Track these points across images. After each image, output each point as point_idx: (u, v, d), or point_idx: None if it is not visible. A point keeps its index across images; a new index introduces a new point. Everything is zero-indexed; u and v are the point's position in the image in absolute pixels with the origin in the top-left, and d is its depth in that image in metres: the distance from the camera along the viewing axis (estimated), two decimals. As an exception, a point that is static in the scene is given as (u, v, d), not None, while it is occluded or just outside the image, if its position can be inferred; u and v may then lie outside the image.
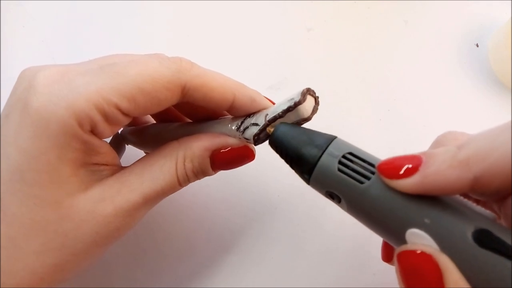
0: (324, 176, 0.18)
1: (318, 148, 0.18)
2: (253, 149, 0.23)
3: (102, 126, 0.19)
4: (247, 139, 0.21)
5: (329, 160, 0.18)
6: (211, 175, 0.23)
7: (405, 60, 0.35)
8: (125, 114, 0.19)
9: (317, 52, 0.35)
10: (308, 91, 0.20)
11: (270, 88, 0.34)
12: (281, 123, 0.20)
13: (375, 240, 0.29)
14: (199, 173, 0.22)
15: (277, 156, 0.28)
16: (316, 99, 0.21)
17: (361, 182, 0.17)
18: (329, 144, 0.18)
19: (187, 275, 0.28)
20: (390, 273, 0.28)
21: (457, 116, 0.33)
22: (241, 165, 0.23)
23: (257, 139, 0.21)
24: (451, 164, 0.15)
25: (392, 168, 0.17)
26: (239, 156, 0.22)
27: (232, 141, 0.22)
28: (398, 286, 0.28)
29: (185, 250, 0.29)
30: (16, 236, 0.18)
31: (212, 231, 0.29)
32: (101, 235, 0.19)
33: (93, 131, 0.19)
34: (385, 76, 0.34)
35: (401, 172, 0.16)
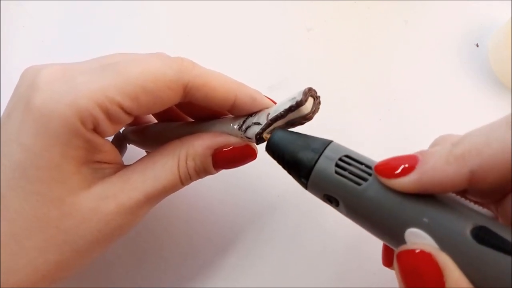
0: (322, 179, 0.18)
1: (315, 152, 0.18)
2: (255, 148, 0.23)
3: (105, 124, 0.19)
4: (249, 138, 0.21)
5: (326, 163, 0.18)
6: (213, 174, 0.23)
7: (405, 60, 0.35)
8: (127, 112, 0.19)
9: (317, 52, 0.35)
10: (310, 91, 0.20)
11: (270, 88, 0.34)
12: (277, 129, 0.21)
13: (375, 240, 0.29)
14: (201, 172, 0.22)
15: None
16: (317, 98, 0.21)
17: (359, 184, 0.17)
18: (325, 148, 0.18)
19: (188, 275, 0.28)
20: (390, 273, 0.28)
21: (457, 116, 0.33)
22: (243, 164, 0.23)
23: (259, 138, 0.21)
24: (447, 159, 0.15)
25: (389, 168, 0.17)
26: (241, 155, 0.22)
27: (234, 140, 0.22)
28: (397, 286, 0.28)
29: (186, 250, 0.29)
30: (19, 233, 0.18)
31: (212, 232, 0.29)
32: (103, 233, 0.20)
33: (96, 130, 0.19)
34: (385, 76, 0.34)
35: (398, 171, 0.16)
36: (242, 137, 0.22)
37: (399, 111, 0.33)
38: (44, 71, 0.19)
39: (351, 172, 0.18)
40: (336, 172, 0.18)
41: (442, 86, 0.34)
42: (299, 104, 0.20)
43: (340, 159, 0.18)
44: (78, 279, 0.27)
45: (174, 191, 0.22)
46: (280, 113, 0.20)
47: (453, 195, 0.17)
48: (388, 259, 0.22)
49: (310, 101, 0.20)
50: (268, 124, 0.21)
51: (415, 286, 0.15)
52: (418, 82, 0.34)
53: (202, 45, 0.35)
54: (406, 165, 0.16)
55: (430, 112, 0.33)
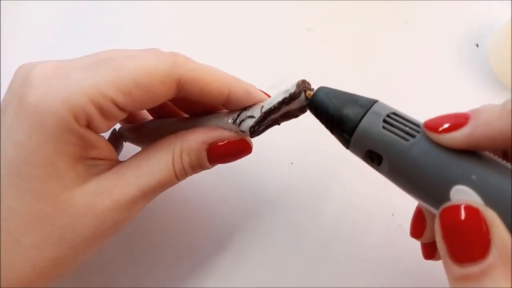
0: (367, 134, 0.18)
1: (362, 107, 0.18)
2: (250, 142, 0.23)
3: (98, 120, 0.19)
4: (243, 131, 0.21)
5: (374, 118, 0.18)
6: (208, 168, 0.23)
7: (405, 60, 0.35)
8: (121, 108, 0.19)
9: (317, 52, 0.35)
10: (303, 83, 0.20)
11: (271, 88, 0.33)
12: (321, 86, 0.20)
13: (375, 240, 0.29)
14: (196, 167, 0.22)
15: (277, 156, 0.28)
16: (311, 90, 0.21)
17: (406, 140, 0.17)
18: (373, 104, 0.18)
19: (185, 273, 0.28)
20: (390, 273, 0.28)
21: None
22: (238, 158, 0.23)
23: (253, 132, 0.21)
24: (501, 113, 0.15)
25: (439, 123, 0.16)
26: (235, 149, 0.22)
27: (228, 134, 0.22)
28: (397, 286, 0.28)
29: (183, 248, 0.29)
30: (15, 230, 0.18)
31: (211, 231, 0.29)
32: (99, 229, 0.19)
33: (89, 126, 0.19)
34: (385, 76, 0.34)
35: (449, 125, 0.16)
36: (236, 131, 0.22)
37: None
38: (37, 67, 0.19)
39: (398, 128, 0.17)
40: (384, 128, 0.18)
41: (442, 86, 0.34)
42: (292, 96, 0.20)
43: (388, 116, 0.18)
44: (76, 278, 0.27)
45: (169, 187, 0.22)
46: (274, 105, 0.20)
47: (496, 157, 0.17)
48: (418, 229, 0.22)
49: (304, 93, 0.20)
50: (262, 117, 0.21)
51: (458, 243, 0.15)
52: (418, 82, 0.34)
53: (202, 45, 0.35)
54: (458, 121, 0.16)
55: (430, 112, 0.33)
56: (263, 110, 0.21)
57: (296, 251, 0.28)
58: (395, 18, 0.37)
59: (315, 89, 0.20)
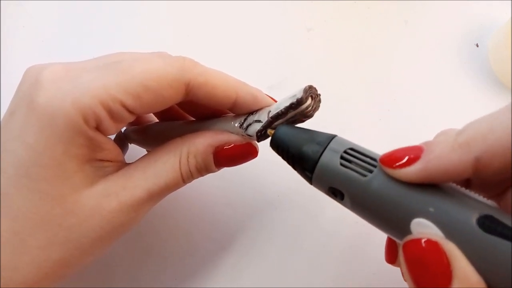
0: (327, 171, 0.18)
1: (320, 145, 0.19)
2: (256, 146, 0.23)
3: (107, 122, 0.19)
4: (250, 135, 0.22)
5: (331, 156, 0.18)
6: (214, 171, 0.23)
7: (405, 60, 0.35)
8: (130, 111, 0.19)
9: (317, 52, 0.35)
10: (310, 88, 0.20)
11: (271, 88, 0.34)
12: (281, 125, 0.21)
13: (375, 240, 0.29)
14: (202, 170, 0.22)
15: (277, 156, 0.28)
16: (317, 96, 0.21)
17: (364, 175, 0.17)
18: (330, 141, 0.19)
19: (187, 274, 0.28)
20: (390, 273, 0.28)
21: (457, 116, 0.32)
22: (244, 162, 0.23)
23: (260, 136, 0.21)
24: (452, 147, 0.16)
25: (394, 158, 0.17)
26: (242, 153, 0.22)
27: (235, 138, 0.22)
28: (397, 285, 0.28)
29: (185, 249, 0.29)
30: (22, 231, 0.18)
31: (212, 230, 0.29)
32: (106, 230, 0.20)
33: (98, 128, 0.19)
34: (385, 76, 0.34)
35: (403, 161, 0.16)
36: (243, 135, 0.22)
37: (399, 111, 0.33)
38: (47, 69, 0.19)
39: (356, 164, 0.18)
40: (341, 164, 0.18)
41: (442, 86, 0.34)
42: (299, 102, 0.20)
43: (345, 152, 0.18)
44: (79, 278, 0.27)
45: (175, 189, 0.22)
46: (281, 110, 0.20)
47: (457, 186, 0.17)
48: (391, 255, 0.22)
49: (310, 99, 0.20)
50: (269, 122, 0.21)
51: (421, 276, 0.15)
52: (418, 82, 0.34)
53: (202, 45, 0.35)
54: (412, 155, 0.16)
55: (430, 112, 0.33)
56: (270, 115, 0.21)
57: (297, 251, 0.28)
58: (395, 18, 0.37)
59: (274, 130, 0.21)
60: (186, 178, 0.22)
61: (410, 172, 0.16)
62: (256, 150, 0.23)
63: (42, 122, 0.18)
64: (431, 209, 0.16)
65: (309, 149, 0.19)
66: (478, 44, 0.36)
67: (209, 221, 0.29)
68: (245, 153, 0.22)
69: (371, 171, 0.17)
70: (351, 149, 0.18)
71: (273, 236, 0.29)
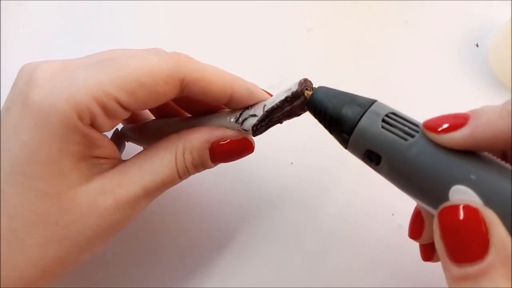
0: (366, 133, 0.18)
1: (361, 107, 0.18)
2: (252, 141, 0.23)
3: (102, 119, 0.19)
4: (246, 130, 0.22)
5: (373, 118, 0.18)
6: (210, 167, 0.23)
7: (405, 60, 0.35)
8: (124, 107, 0.19)
9: (317, 52, 0.35)
10: (306, 81, 0.20)
11: (270, 88, 0.33)
12: (320, 86, 0.20)
13: (375, 240, 0.29)
14: (198, 166, 0.22)
15: (277, 156, 0.28)
16: (313, 89, 0.21)
17: (405, 140, 0.17)
18: (372, 104, 0.18)
19: (185, 273, 0.28)
20: (389, 273, 0.28)
21: (457, 116, 0.33)
22: (241, 157, 0.23)
23: (256, 130, 0.21)
24: (501, 114, 0.15)
25: (439, 123, 0.16)
26: (238, 148, 0.22)
27: (231, 133, 0.22)
28: (398, 286, 0.28)
29: (184, 248, 0.29)
30: (18, 229, 0.18)
31: (211, 229, 0.29)
32: (102, 227, 0.20)
33: (93, 125, 0.19)
34: (385, 76, 0.34)
35: (449, 125, 0.16)
36: (239, 130, 0.22)
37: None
38: (41, 67, 0.19)
39: (397, 128, 0.17)
40: (383, 127, 0.18)
41: (442, 86, 0.34)
42: (295, 95, 0.20)
43: (387, 115, 0.18)
44: (76, 277, 0.27)
45: (172, 185, 0.22)
46: (276, 104, 0.20)
47: (495, 157, 0.17)
48: (416, 230, 0.22)
49: (306, 92, 0.20)
50: (265, 116, 0.21)
51: (457, 244, 0.15)
52: (418, 82, 0.34)
53: (202, 45, 0.35)
54: (457, 121, 0.16)
55: (430, 112, 0.33)
56: (266, 109, 0.21)
57: (296, 250, 0.28)
58: (395, 18, 0.37)
59: (313, 88, 0.20)
60: (182, 174, 0.21)
61: (456, 137, 0.16)
62: (252, 145, 0.23)
63: (37, 120, 0.18)
64: (473, 177, 0.15)
65: (350, 110, 0.18)
66: (478, 44, 0.35)
67: (207, 219, 0.29)
68: (241, 148, 0.22)
69: (412, 136, 0.17)
70: (393, 113, 0.18)
71: (273, 235, 0.29)
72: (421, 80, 0.34)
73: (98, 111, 0.18)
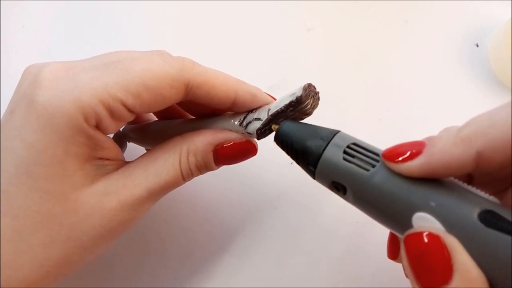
0: (330, 166, 0.18)
1: (323, 140, 0.19)
2: (256, 144, 0.23)
3: (107, 121, 0.19)
4: (250, 133, 0.22)
5: (335, 150, 0.18)
6: (214, 170, 0.23)
7: (405, 60, 0.35)
8: (129, 110, 0.19)
9: (317, 52, 0.35)
10: (310, 86, 0.21)
11: (270, 88, 0.34)
12: (285, 120, 0.21)
13: (375, 240, 0.29)
14: (202, 168, 0.22)
15: (277, 156, 0.28)
16: (316, 94, 0.21)
17: (367, 170, 0.17)
18: (333, 136, 0.19)
19: (187, 273, 0.28)
20: (389, 273, 0.28)
21: (457, 116, 0.32)
22: (244, 159, 0.23)
23: (260, 134, 0.21)
24: (455, 141, 0.16)
25: (396, 153, 0.17)
26: (242, 151, 0.22)
27: (234, 136, 0.22)
28: (397, 286, 0.28)
29: (185, 249, 0.29)
30: (23, 229, 0.18)
31: (212, 230, 0.29)
32: (106, 229, 0.20)
33: (98, 126, 0.19)
34: (385, 76, 0.34)
35: (406, 155, 0.16)
36: (243, 133, 0.22)
37: (398, 111, 0.33)
38: (46, 68, 0.19)
39: (359, 159, 0.18)
40: (344, 159, 0.18)
41: (442, 86, 0.34)
42: (299, 100, 0.20)
43: (348, 147, 0.18)
44: (79, 278, 0.27)
45: (175, 187, 0.22)
46: (281, 108, 0.21)
47: (459, 181, 0.17)
48: (393, 252, 0.22)
49: (310, 97, 0.21)
50: (269, 120, 0.21)
51: (422, 270, 0.15)
52: (418, 82, 0.34)
53: (202, 45, 0.35)
54: (414, 150, 0.16)
55: (430, 112, 0.33)
56: (270, 113, 0.21)
57: (296, 250, 0.29)
58: (395, 18, 0.37)
59: (280, 122, 0.21)
60: (186, 176, 0.22)
61: (412, 166, 0.16)
62: (256, 147, 0.23)
63: (42, 121, 0.18)
64: (433, 203, 0.16)
65: (313, 143, 0.19)
66: (478, 44, 0.36)
67: (208, 219, 0.29)
68: (245, 151, 0.23)
69: (373, 166, 0.17)
70: (354, 144, 0.18)
71: (273, 235, 0.29)
72: (421, 80, 0.34)
73: (103, 113, 0.19)
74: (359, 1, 0.37)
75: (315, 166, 0.19)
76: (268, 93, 0.23)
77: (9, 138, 0.19)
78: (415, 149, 0.17)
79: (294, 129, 0.20)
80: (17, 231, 0.18)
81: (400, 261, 0.22)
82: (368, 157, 0.18)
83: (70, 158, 0.19)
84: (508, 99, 0.34)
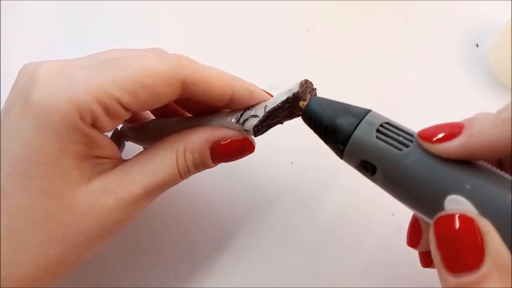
0: (361, 144, 0.18)
1: (356, 117, 0.18)
2: (253, 141, 0.23)
3: (103, 119, 0.19)
4: (247, 130, 0.22)
5: (367, 128, 0.18)
6: (211, 167, 0.23)
7: (405, 60, 0.35)
8: (126, 108, 0.19)
9: (317, 52, 0.35)
10: (306, 82, 0.20)
11: (270, 88, 0.33)
12: (315, 96, 0.20)
13: (375, 240, 0.29)
14: (199, 165, 0.22)
15: (277, 156, 0.28)
16: (314, 90, 0.21)
17: (400, 150, 0.17)
18: (366, 114, 0.18)
19: (186, 273, 0.28)
20: (389, 273, 0.28)
21: (457, 116, 0.32)
22: (241, 157, 0.23)
23: (257, 131, 0.21)
24: (495, 123, 0.15)
25: (434, 133, 0.17)
26: (239, 148, 0.22)
27: (232, 133, 0.22)
28: (398, 286, 0.28)
29: (184, 248, 0.29)
30: (20, 229, 0.18)
31: (211, 229, 0.29)
32: (103, 227, 0.20)
33: (94, 125, 0.19)
34: (385, 76, 0.34)
35: (444, 135, 0.16)
36: (240, 130, 0.22)
37: (399, 111, 0.33)
38: (42, 66, 0.19)
39: (392, 138, 0.17)
40: (377, 137, 0.18)
41: (442, 86, 0.34)
42: (296, 96, 0.20)
43: (381, 125, 0.18)
44: (76, 277, 0.27)
45: (173, 185, 0.22)
46: (278, 105, 0.20)
47: (490, 165, 0.17)
48: (414, 238, 0.22)
49: (307, 93, 0.20)
50: (266, 116, 0.21)
51: (452, 253, 0.15)
52: (418, 82, 0.34)
53: (202, 45, 0.35)
54: (452, 131, 0.16)
55: (430, 112, 0.33)
56: (267, 110, 0.21)
57: (296, 250, 0.28)
58: (395, 18, 0.37)
59: (308, 98, 0.20)
60: (183, 174, 0.22)
61: (451, 147, 0.16)
62: (253, 145, 0.23)
63: (38, 119, 0.18)
64: (468, 186, 0.15)
65: (344, 121, 0.18)
66: (478, 44, 0.35)
67: (207, 219, 0.29)
68: (242, 148, 0.22)
69: (407, 146, 0.17)
70: (387, 123, 0.18)
71: (272, 234, 0.29)
72: (421, 80, 0.34)
73: (99, 111, 0.18)
74: (359, 1, 0.37)
75: (344, 144, 0.18)
76: (265, 90, 0.23)
77: (5, 137, 0.19)
78: (454, 130, 0.16)
79: (324, 105, 0.19)
80: (14, 231, 0.18)
81: (421, 249, 0.22)
82: (401, 136, 0.17)
83: (66, 157, 0.19)
84: (508, 99, 0.34)
